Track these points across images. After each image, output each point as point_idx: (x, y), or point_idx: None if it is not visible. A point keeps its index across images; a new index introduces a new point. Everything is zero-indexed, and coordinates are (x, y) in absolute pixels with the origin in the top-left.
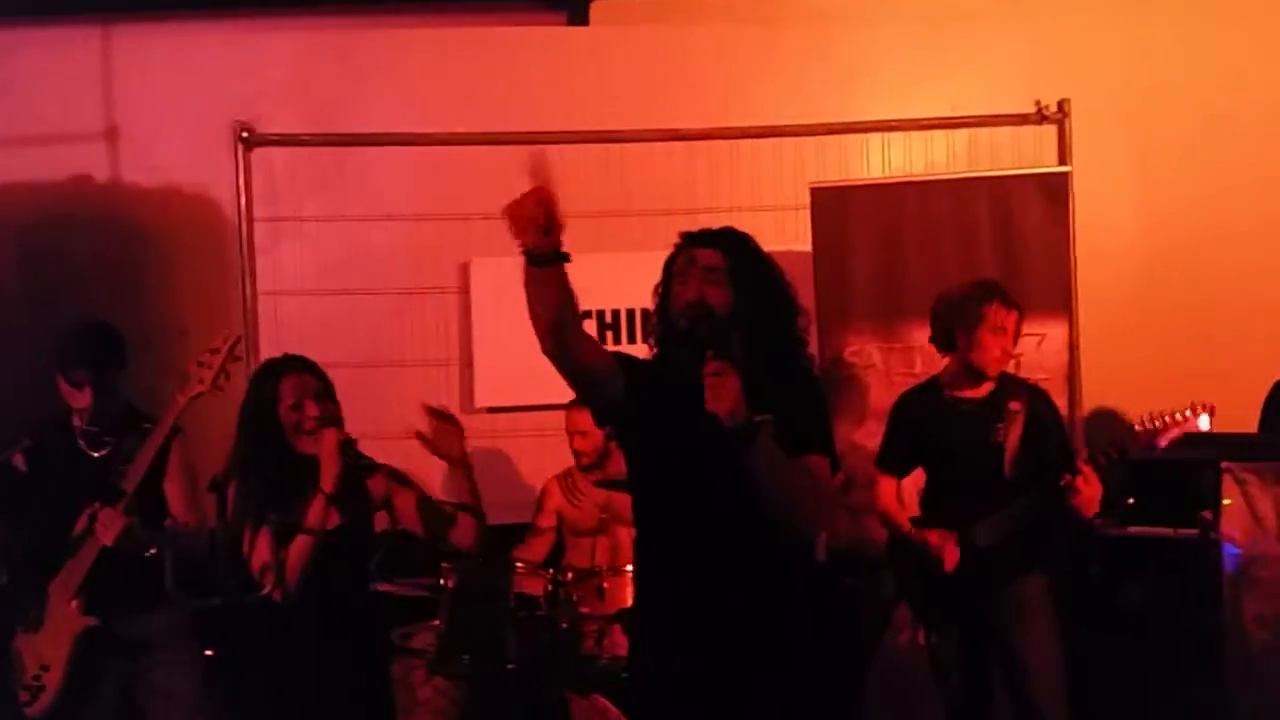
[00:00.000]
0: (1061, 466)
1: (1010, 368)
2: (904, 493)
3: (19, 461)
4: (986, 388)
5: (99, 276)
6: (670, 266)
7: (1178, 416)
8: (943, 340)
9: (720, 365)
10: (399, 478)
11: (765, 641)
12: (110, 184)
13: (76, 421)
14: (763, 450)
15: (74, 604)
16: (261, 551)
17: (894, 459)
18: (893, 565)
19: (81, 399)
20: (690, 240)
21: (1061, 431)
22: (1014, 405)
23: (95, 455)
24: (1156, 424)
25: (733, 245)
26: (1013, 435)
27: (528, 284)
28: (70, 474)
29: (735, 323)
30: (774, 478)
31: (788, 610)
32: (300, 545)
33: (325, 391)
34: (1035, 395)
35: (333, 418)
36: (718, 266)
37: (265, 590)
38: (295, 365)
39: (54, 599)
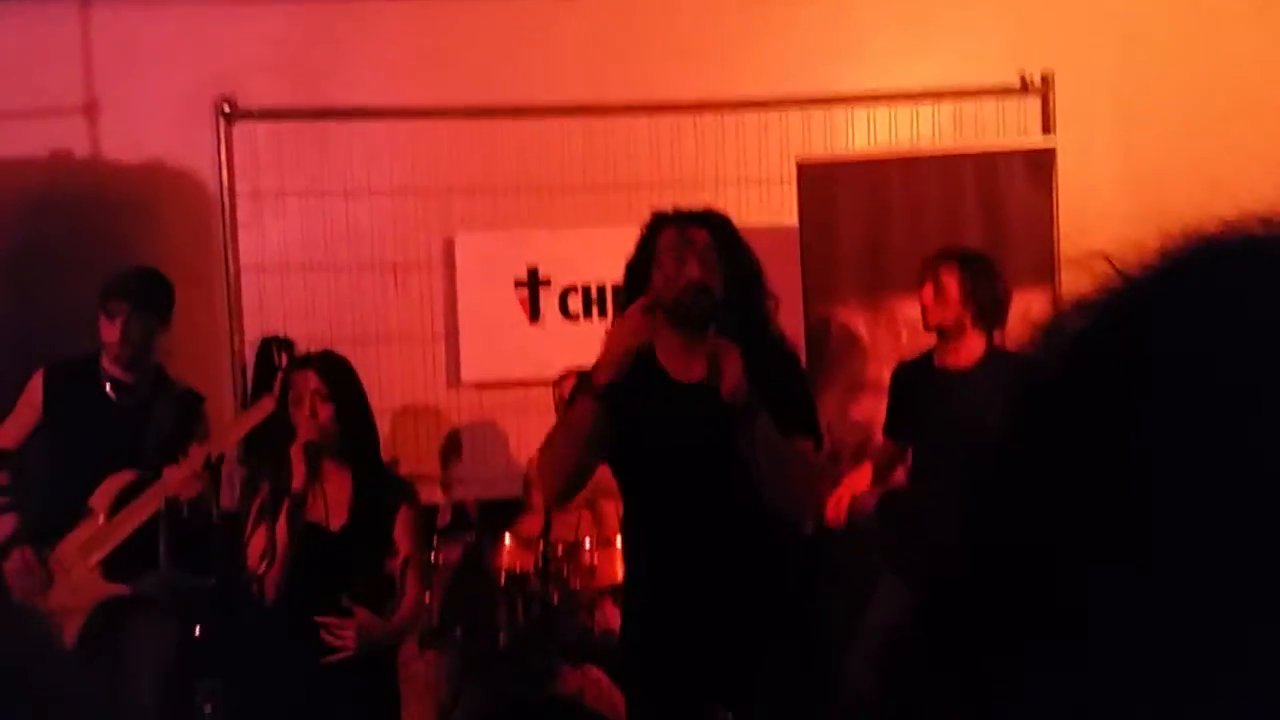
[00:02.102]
0: None
1: (954, 321)
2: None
3: (35, 385)
4: (976, 354)
5: (79, 253)
6: (653, 244)
7: None
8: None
9: (724, 342)
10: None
11: (752, 607)
12: (90, 160)
13: (105, 365)
14: (761, 428)
15: (95, 570)
16: (259, 542)
17: (900, 428)
18: (880, 532)
19: (112, 330)
20: (677, 219)
21: None
22: (1000, 372)
23: (117, 401)
24: None
25: (719, 226)
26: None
27: (565, 431)
28: (90, 417)
29: (726, 302)
30: (770, 456)
31: (773, 575)
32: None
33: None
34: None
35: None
36: (709, 246)
37: (264, 590)
38: (308, 364)
39: (65, 557)
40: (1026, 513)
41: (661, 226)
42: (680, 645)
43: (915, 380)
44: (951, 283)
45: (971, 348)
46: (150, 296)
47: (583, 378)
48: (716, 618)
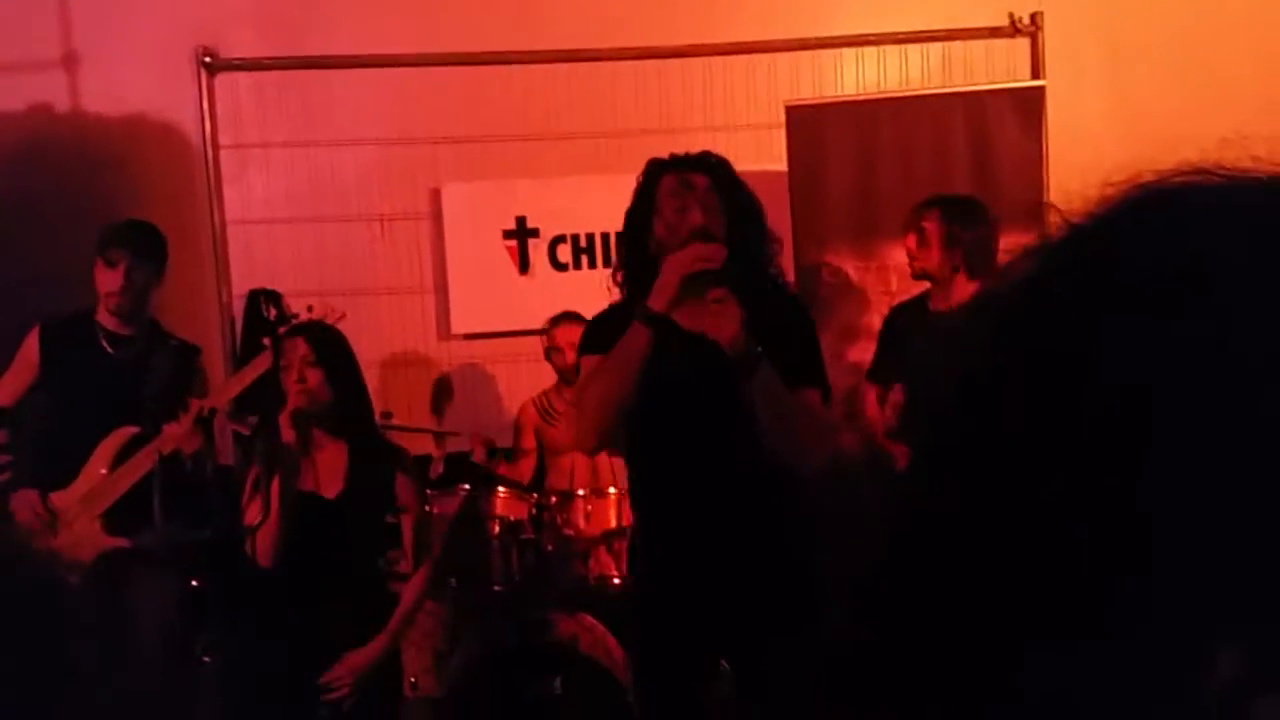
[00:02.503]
0: None
1: (937, 268)
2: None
3: (31, 342)
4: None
5: (62, 208)
6: (653, 191)
7: None
8: None
9: (722, 292)
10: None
11: (756, 558)
12: (71, 113)
13: (102, 318)
14: (763, 379)
15: (96, 523)
16: (254, 507)
17: (882, 370)
18: (866, 475)
19: (113, 279)
20: (675, 164)
21: None
22: None
23: (113, 354)
24: None
25: (718, 169)
26: None
27: (621, 360)
28: (88, 372)
29: (728, 247)
30: (774, 409)
31: (776, 527)
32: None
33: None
34: None
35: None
36: (710, 190)
37: (255, 548)
38: (301, 331)
39: (68, 510)
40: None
41: (660, 172)
42: (687, 597)
43: (907, 323)
44: (933, 229)
45: (964, 291)
46: (150, 246)
47: (640, 306)
48: (722, 569)
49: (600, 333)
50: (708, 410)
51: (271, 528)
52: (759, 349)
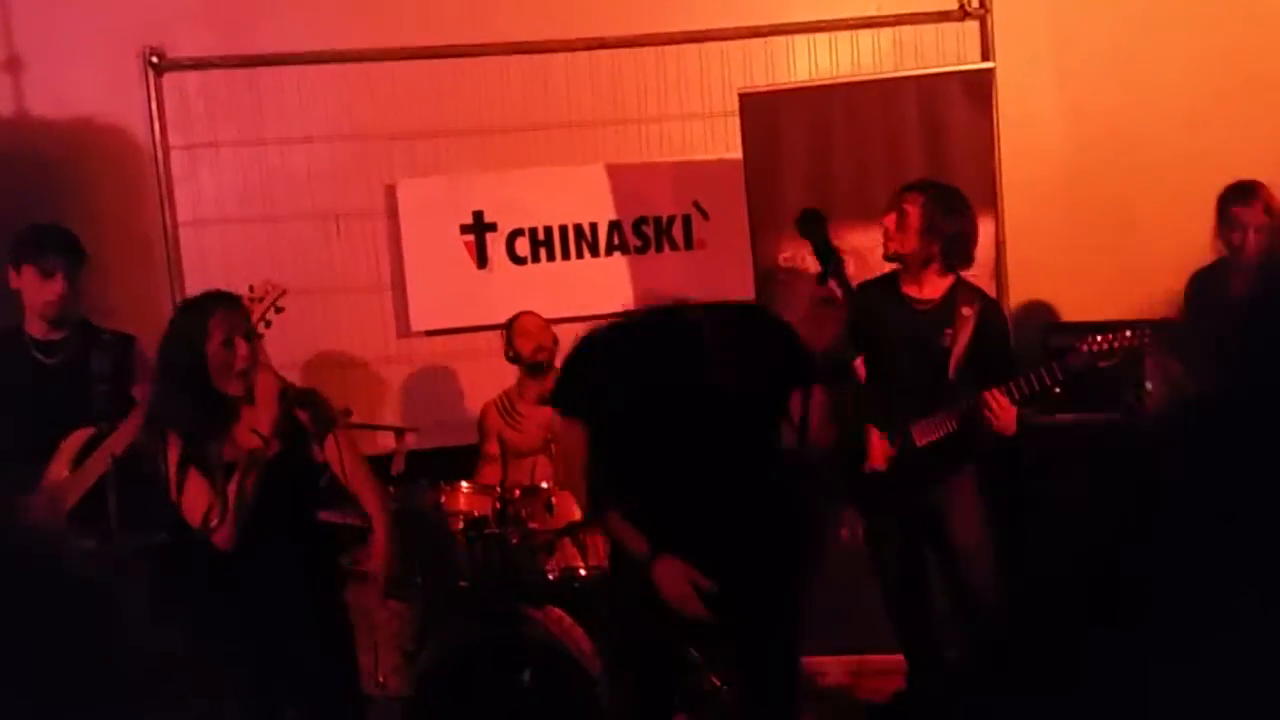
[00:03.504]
0: (997, 379)
1: (911, 253)
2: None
3: None
4: (941, 289)
5: (10, 215)
6: None
7: (1126, 334)
8: None
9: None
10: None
11: (741, 549)
12: (16, 117)
13: (30, 329)
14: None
15: (62, 524)
16: (195, 498)
17: (854, 339)
18: (832, 458)
19: (52, 288)
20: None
21: (1005, 344)
22: (965, 310)
23: (49, 362)
24: (1102, 346)
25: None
26: (960, 340)
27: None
28: (27, 384)
29: None
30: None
31: (763, 518)
32: (245, 488)
33: (251, 332)
34: (987, 304)
35: (260, 360)
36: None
37: (211, 534)
38: (224, 302)
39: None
40: None
41: None
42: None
43: (877, 300)
44: (914, 212)
45: (935, 282)
46: (77, 250)
47: (556, 401)
48: (704, 560)
49: (573, 389)
50: (694, 409)
51: (230, 519)
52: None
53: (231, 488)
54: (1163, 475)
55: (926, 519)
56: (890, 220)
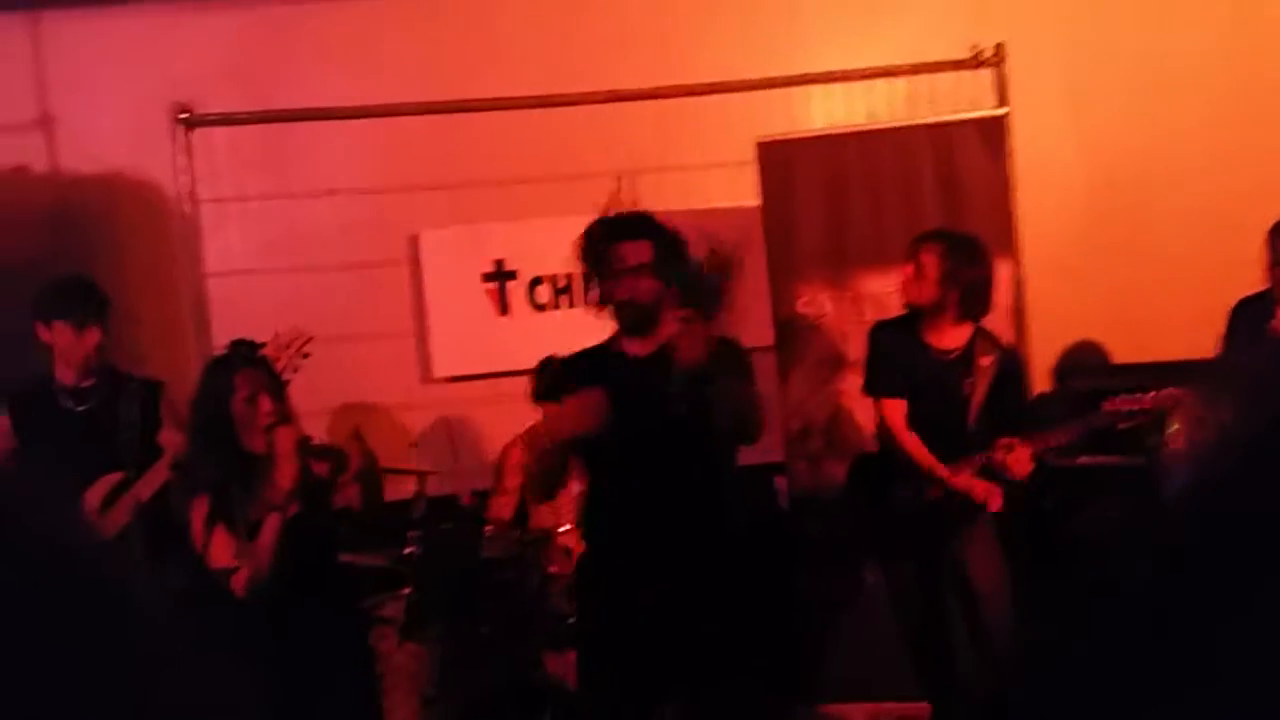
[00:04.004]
0: (1014, 428)
1: (929, 302)
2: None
3: (4, 424)
4: (961, 338)
5: (43, 269)
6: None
7: (1151, 397)
8: None
9: (689, 312)
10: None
11: (714, 587)
12: (49, 173)
13: (61, 377)
14: (721, 383)
15: None
16: (220, 551)
17: (890, 380)
18: (851, 499)
19: (88, 340)
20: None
21: (1023, 393)
22: (984, 360)
23: (79, 410)
24: (1125, 407)
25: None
26: (979, 389)
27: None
28: (58, 432)
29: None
30: (729, 403)
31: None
32: (266, 541)
33: (277, 387)
34: (1005, 353)
35: (285, 415)
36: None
37: (236, 589)
38: (247, 359)
39: None
40: None
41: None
42: (636, 623)
43: (900, 345)
44: (931, 262)
45: (955, 332)
46: (106, 300)
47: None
48: (674, 597)
49: (554, 380)
50: (660, 443)
51: (259, 568)
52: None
53: (258, 544)
54: (1191, 525)
55: (947, 565)
56: (908, 270)
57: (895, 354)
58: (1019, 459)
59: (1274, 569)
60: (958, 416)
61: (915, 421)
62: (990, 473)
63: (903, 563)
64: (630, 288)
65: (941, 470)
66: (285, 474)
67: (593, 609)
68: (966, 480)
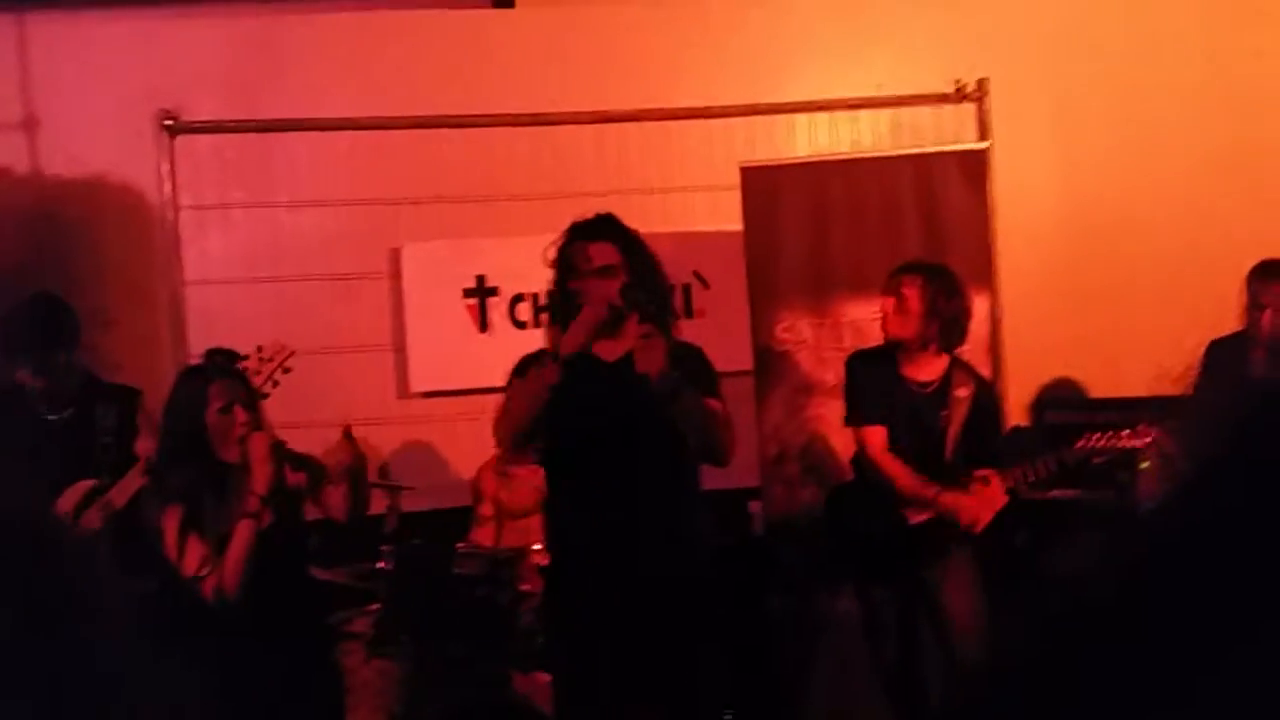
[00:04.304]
0: (988, 460)
1: (914, 336)
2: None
3: None
4: (938, 370)
5: (22, 270)
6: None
7: (1124, 435)
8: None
9: (649, 328)
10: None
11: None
12: (30, 175)
13: (30, 385)
14: (686, 399)
15: None
16: (193, 559)
17: (870, 408)
18: (829, 528)
19: (51, 366)
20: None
21: (997, 425)
22: (960, 392)
23: (54, 417)
24: (1099, 444)
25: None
26: (955, 422)
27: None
28: (32, 438)
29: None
30: (696, 419)
31: (690, 536)
32: (238, 548)
33: (252, 399)
34: (981, 385)
35: (258, 426)
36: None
37: (204, 594)
38: (223, 370)
39: None
40: None
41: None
42: (604, 633)
43: (878, 377)
44: (914, 295)
45: (932, 364)
46: (73, 331)
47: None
48: (642, 605)
49: (525, 365)
50: (627, 445)
51: (231, 569)
52: (679, 375)
53: (229, 551)
54: (1160, 560)
55: (923, 594)
56: (889, 304)
57: (873, 385)
58: (993, 492)
59: (1241, 595)
60: (933, 448)
61: (892, 452)
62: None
63: (879, 591)
64: (596, 288)
65: (929, 490)
66: (261, 479)
67: (560, 624)
68: (954, 499)
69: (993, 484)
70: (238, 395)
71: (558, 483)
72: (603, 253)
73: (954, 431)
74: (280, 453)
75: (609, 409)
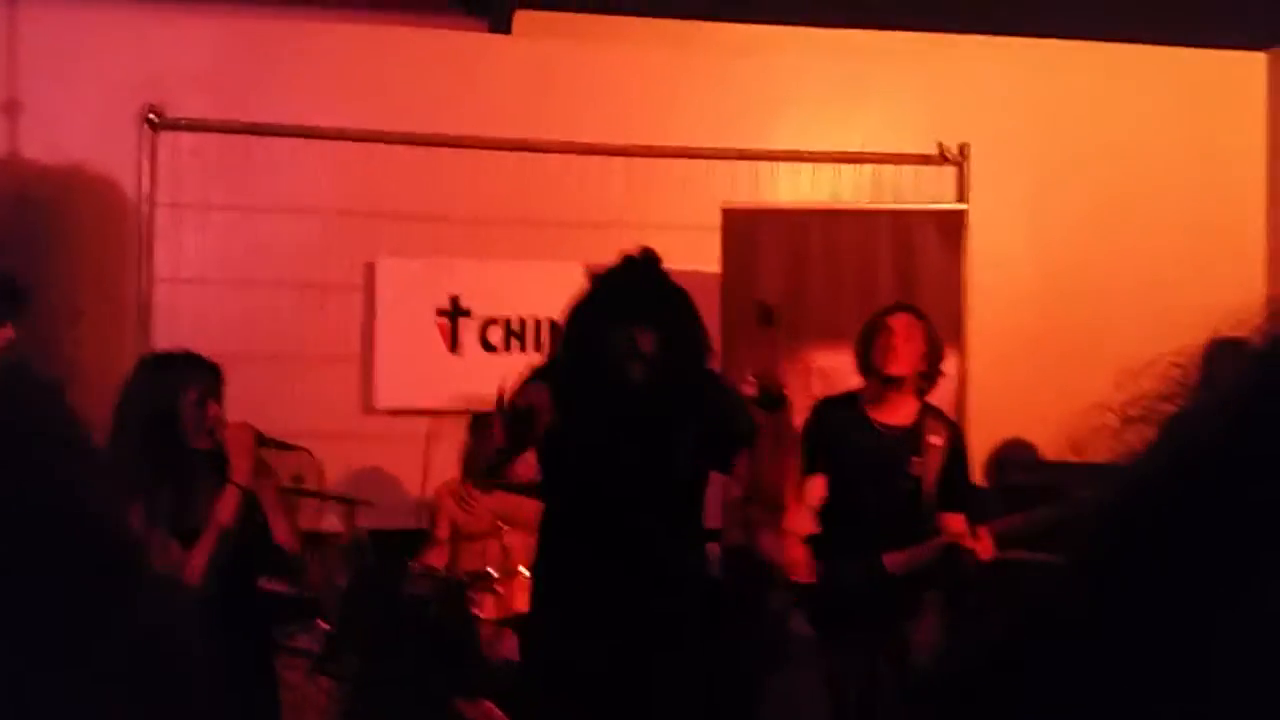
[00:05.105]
0: (961, 507)
1: (912, 372)
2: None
3: None
4: (909, 415)
5: None
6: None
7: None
8: (861, 359)
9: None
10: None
11: (662, 631)
12: (7, 157)
13: None
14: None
15: None
16: (160, 553)
17: (814, 458)
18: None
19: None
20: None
21: (969, 473)
22: (934, 439)
23: None
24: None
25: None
26: (931, 469)
27: None
28: None
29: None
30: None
31: (688, 619)
32: (208, 543)
33: (220, 392)
34: (954, 432)
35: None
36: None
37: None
38: (198, 362)
39: None
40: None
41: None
42: (586, 666)
43: (842, 422)
44: (910, 332)
45: (905, 408)
46: (21, 301)
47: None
48: (623, 647)
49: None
50: (628, 476)
51: (202, 562)
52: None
53: (198, 548)
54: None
55: (891, 643)
56: (886, 341)
57: (832, 437)
58: (984, 544)
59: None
60: (907, 497)
61: (860, 501)
62: (951, 557)
63: (846, 640)
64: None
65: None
66: (241, 469)
67: (539, 653)
68: (959, 523)
69: (983, 536)
70: (212, 391)
71: (556, 499)
72: (646, 342)
73: (930, 479)
74: (263, 441)
75: (622, 436)
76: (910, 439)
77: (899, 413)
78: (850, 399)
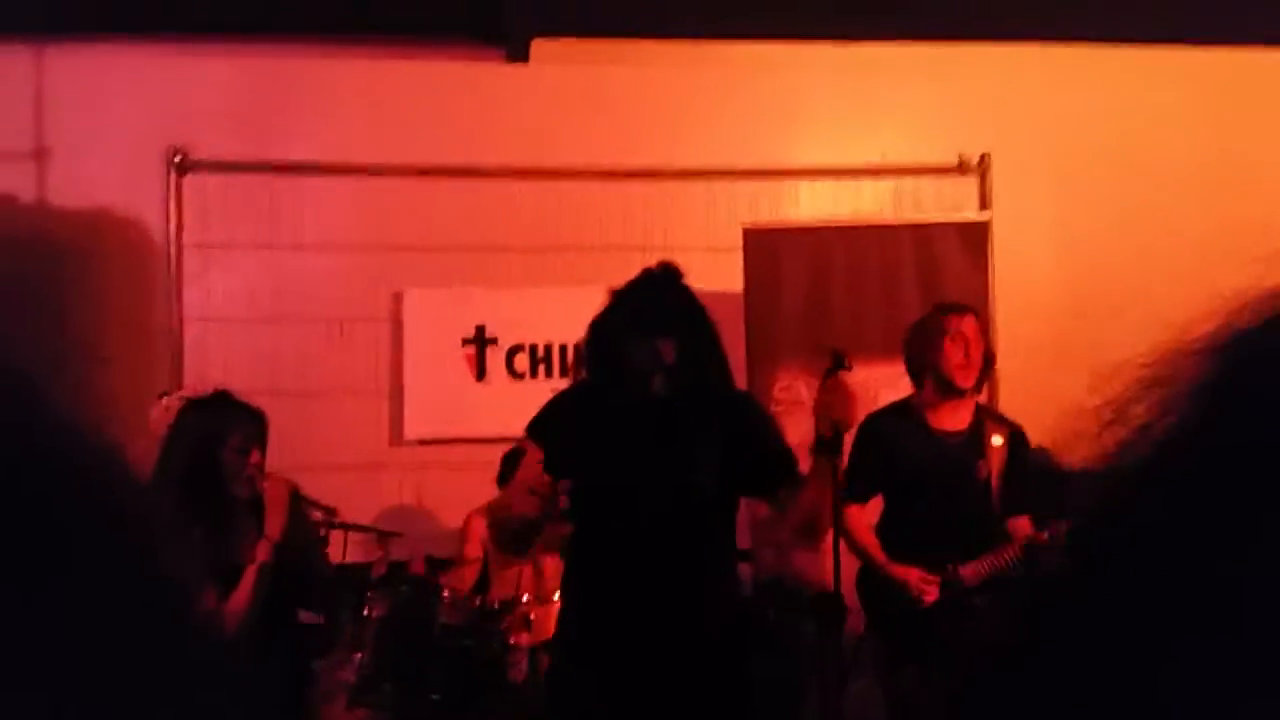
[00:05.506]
0: (1034, 506)
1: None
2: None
3: None
4: (966, 418)
5: (18, 298)
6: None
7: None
8: (914, 366)
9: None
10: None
11: (693, 671)
12: (36, 204)
13: None
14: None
15: None
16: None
17: (862, 484)
18: (861, 600)
19: None
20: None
21: (1033, 474)
22: (995, 439)
23: None
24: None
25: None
26: (995, 471)
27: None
28: None
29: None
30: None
31: (717, 643)
32: (244, 592)
33: (264, 439)
34: (1014, 430)
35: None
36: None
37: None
38: (242, 408)
39: None
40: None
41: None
42: (613, 703)
43: (899, 432)
44: (974, 335)
45: (961, 412)
46: None
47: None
48: (654, 679)
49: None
50: (652, 515)
51: (239, 610)
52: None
53: (235, 597)
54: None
55: (959, 665)
56: (955, 348)
57: (889, 450)
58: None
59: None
60: (977, 502)
61: (927, 510)
62: (1028, 562)
63: (915, 666)
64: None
65: (894, 570)
66: (275, 524)
67: (566, 686)
68: (1026, 525)
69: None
70: (254, 438)
71: (586, 527)
72: (668, 353)
73: (996, 482)
74: (297, 499)
75: (645, 450)
76: (972, 442)
77: (955, 417)
78: (904, 408)
